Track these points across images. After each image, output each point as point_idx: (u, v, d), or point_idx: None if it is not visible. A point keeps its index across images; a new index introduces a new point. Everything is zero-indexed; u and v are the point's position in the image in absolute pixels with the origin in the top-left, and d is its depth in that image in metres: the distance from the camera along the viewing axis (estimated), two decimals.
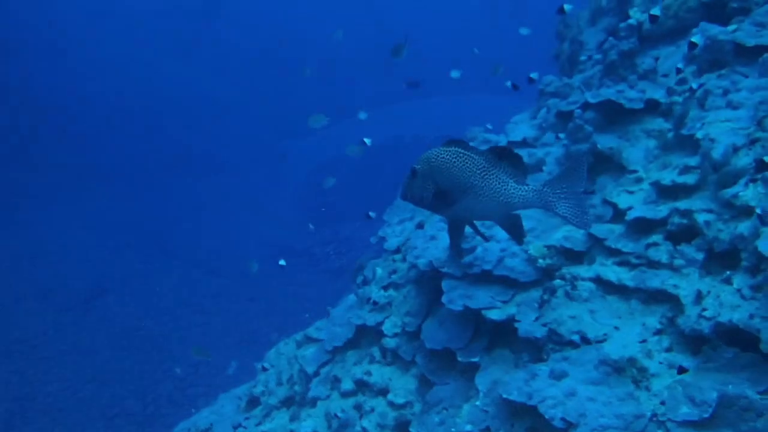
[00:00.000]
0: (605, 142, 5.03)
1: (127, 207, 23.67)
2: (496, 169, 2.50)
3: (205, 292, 17.24)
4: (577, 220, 2.60)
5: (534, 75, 5.92)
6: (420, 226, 6.48)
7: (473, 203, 2.57)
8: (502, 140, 6.11)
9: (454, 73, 9.16)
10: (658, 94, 5.01)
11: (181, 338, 14.61)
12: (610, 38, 5.24)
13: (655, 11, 6.24)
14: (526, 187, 2.52)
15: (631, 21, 5.12)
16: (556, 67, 8.18)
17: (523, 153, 5.69)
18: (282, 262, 7.02)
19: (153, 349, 14.32)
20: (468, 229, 5.04)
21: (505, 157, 2.52)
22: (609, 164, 5.00)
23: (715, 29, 4.95)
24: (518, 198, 2.52)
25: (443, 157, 2.54)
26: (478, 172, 2.50)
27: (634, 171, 4.79)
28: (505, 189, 2.50)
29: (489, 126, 5.55)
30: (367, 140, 8.99)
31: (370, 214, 6.87)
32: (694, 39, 4.87)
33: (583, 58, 6.15)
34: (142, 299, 16.30)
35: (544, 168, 5.20)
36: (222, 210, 24.16)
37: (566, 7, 6.38)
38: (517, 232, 2.73)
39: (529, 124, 6.09)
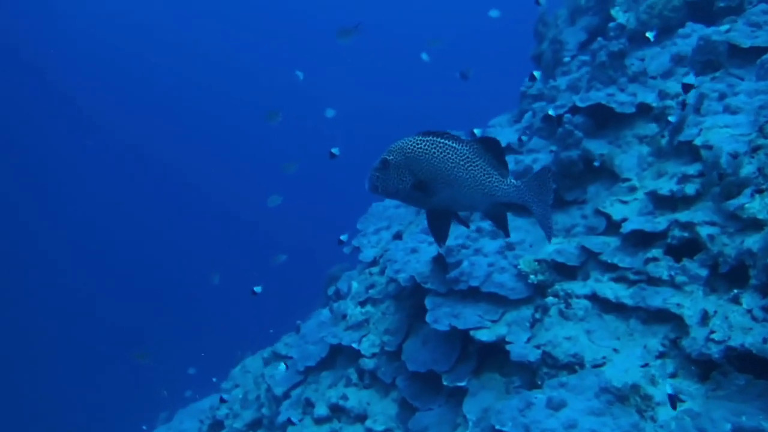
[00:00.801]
0: (596, 148, 4.76)
1: None
2: (481, 160, 2.43)
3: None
4: (546, 228, 2.57)
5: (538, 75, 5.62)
6: (398, 236, 6.13)
7: (457, 194, 2.47)
8: None
9: (425, 56, 8.82)
10: (650, 98, 4.76)
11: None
12: (599, 38, 4.97)
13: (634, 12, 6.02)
14: (509, 182, 2.47)
15: (620, 20, 4.86)
16: (535, 68, 7.92)
17: (509, 159, 5.39)
18: (258, 289, 6.73)
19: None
20: (453, 242, 4.73)
21: (491, 149, 2.45)
22: (601, 172, 4.72)
23: (707, 29, 4.72)
24: (501, 191, 2.46)
25: (421, 147, 2.41)
26: (462, 163, 2.40)
27: (628, 179, 4.52)
28: (489, 181, 2.44)
29: (476, 131, 5.23)
30: (335, 150, 8.64)
31: (342, 238, 6.54)
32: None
33: (566, 59, 5.88)
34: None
35: None
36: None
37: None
38: (502, 224, 2.62)
39: (512, 129, 5.79)
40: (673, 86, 4.75)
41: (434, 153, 2.40)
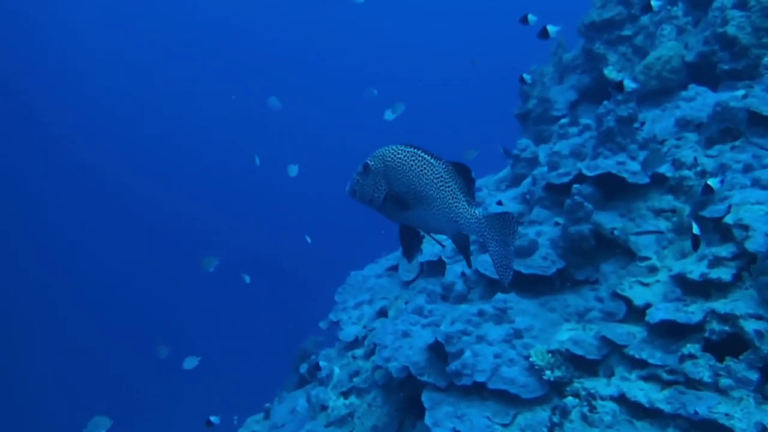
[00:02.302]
0: (607, 221, 4.31)
1: None
2: (453, 182, 2.28)
3: None
4: (501, 268, 2.32)
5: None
6: (382, 312, 5.54)
7: (427, 214, 2.32)
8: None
9: (388, 115, 8.32)
10: (664, 167, 4.37)
11: None
12: (606, 102, 4.60)
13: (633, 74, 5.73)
14: (474, 211, 2.29)
15: (628, 83, 4.50)
16: (519, 127, 7.59)
17: None
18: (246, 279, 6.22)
19: None
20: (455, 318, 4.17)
21: (462, 174, 2.30)
22: (613, 247, 4.27)
23: (723, 95, 4.39)
24: (464, 220, 2.28)
25: (400, 157, 2.30)
26: (436, 181, 2.27)
27: (646, 258, 4.07)
28: (456, 206, 2.28)
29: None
30: (293, 168, 8.24)
31: (321, 325, 5.98)
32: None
33: (563, 121, 5.51)
34: None
35: (536, 254, 4.41)
36: None
37: (531, 17, 5.71)
38: (465, 254, 2.45)
39: (507, 195, 5.33)
40: (687, 155, 4.38)
41: (412, 166, 2.27)
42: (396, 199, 2.30)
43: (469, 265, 2.51)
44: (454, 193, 2.27)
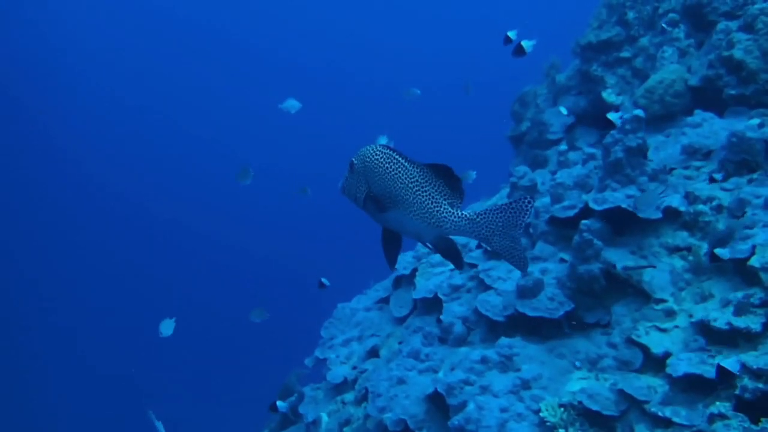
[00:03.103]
0: (618, 259, 4.02)
1: None
2: (430, 186, 2.23)
3: None
4: (513, 258, 2.23)
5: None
6: (373, 352, 5.17)
7: (403, 218, 2.28)
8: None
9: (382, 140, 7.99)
10: (676, 201, 4.10)
11: None
12: (613, 132, 4.32)
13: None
14: (461, 213, 2.24)
15: (637, 112, 4.23)
16: (512, 149, 7.33)
17: (508, 268, 4.60)
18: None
19: None
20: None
21: (443, 175, 2.24)
22: (625, 288, 3.97)
23: (739, 125, 4.14)
24: (450, 223, 2.23)
25: (377, 159, 2.27)
26: (411, 185, 2.23)
27: (662, 300, 3.78)
28: (437, 211, 2.24)
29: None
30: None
31: (306, 363, 5.61)
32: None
33: (562, 147, 5.23)
34: None
35: (542, 295, 4.10)
36: None
37: (517, 38, 5.42)
38: (452, 257, 2.34)
39: None
40: (702, 188, 4.12)
41: (387, 168, 2.24)
42: (374, 200, 2.27)
43: (459, 267, 2.40)
44: (432, 197, 2.22)
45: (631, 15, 5.80)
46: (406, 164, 2.22)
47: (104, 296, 22.69)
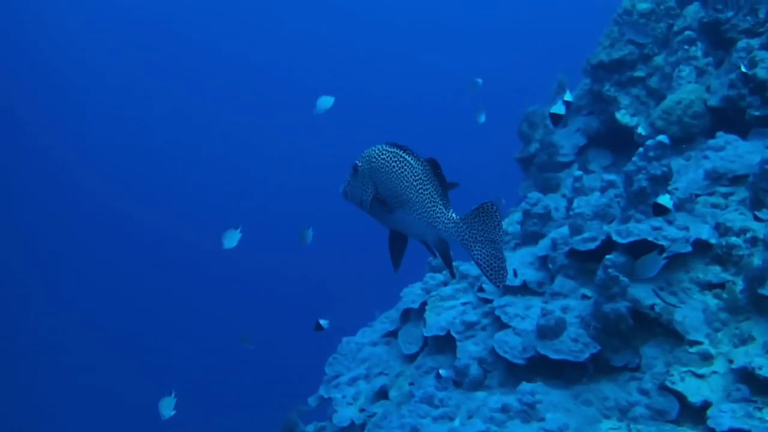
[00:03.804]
0: (645, 296, 3.75)
1: None
2: (430, 184, 2.20)
3: None
4: (491, 272, 2.15)
5: None
6: (383, 392, 4.88)
7: (408, 218, 2.24)
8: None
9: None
10: (706, 232, 3.84)
11: None
12: (635, 159, 4.07)
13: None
14: (450, 215, 2.19)
15: (661, 138, 3.98)
16: (520, 171, 7.08)
17: (527, 304, 4.32)
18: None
19: None
20: None
21: (437, 173, 2.19)
22: (654, 328, 3.70)
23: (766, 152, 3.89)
24: (441, 224, 2.19)
25: (384, 158, 2.23)
26: (415, 183, 2.20)
27: (697, 342, 3.50)
28: (433, 210, 2.19)
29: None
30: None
31: (310, 402, 5.30)
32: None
33: (577, 173, 4.98)
34: None
35: (564, 335, 3.82)
36: None
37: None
38: (447, 261, 2.30)
39: (519, 257, 4.75)
40: (734, 218, 3.86)
41: (393, 167, 2.21)
42: (381, 201, 2.23)
43: (452, 275, 2.44)
44: (431, 196, 2.19)
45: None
46: (411, 162, 2.18)
47: (103, 318, 22.36)
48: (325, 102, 6.26)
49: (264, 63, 36.39)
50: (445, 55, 33.27)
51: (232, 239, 5.64)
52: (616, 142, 5.89)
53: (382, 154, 2.21)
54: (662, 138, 4.01)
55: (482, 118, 6.26)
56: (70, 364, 19.76)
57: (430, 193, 2.18)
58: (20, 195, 27.66)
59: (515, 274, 4.45)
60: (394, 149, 2.21)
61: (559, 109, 4.49)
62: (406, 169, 2.17)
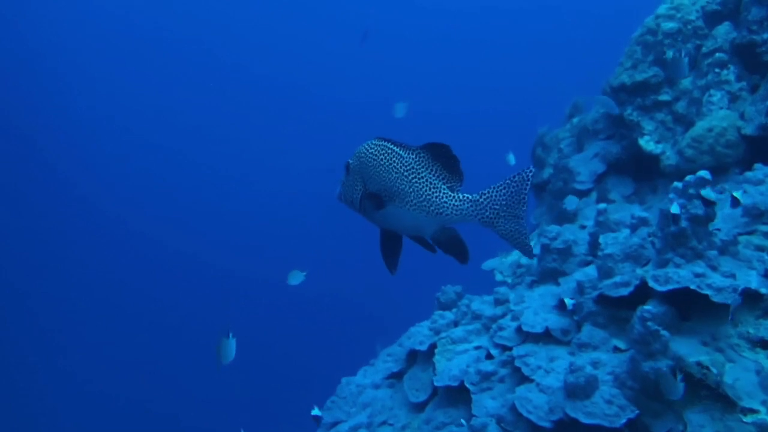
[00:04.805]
0: (689, 352, 3.32)
1: None
2: (427, 171, 2.09)
3: None
4: (519, 245, 2.06)
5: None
6: None
7: (400, 212, 2.12)
8: (510, 324, 4.29)
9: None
10: (755, 281, 3.42)
11: None
12: (672, 195, 3.66)
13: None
14: (462, 196, 2.07)
15: (703, 173, 3.57)
16: (533, 197, 6.68)
17: (557, 354, 3.89)
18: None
19: None
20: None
21: (441, 156, 2.08)
22: (699, 390, 3.27)
23: None
24: (451, 208, 2.07)
25: (371, 152, 2.14)
26: (406, 174, 2.09)
27: (752, 410, 3.07)
28: (437, 196, 2.08)
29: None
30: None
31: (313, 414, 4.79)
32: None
33: (601, 206, 4.58)
34: None
35: (597, 395, 3.39)
36: None
37: None
38: (457, 250, 2.13)
39: (542, 302, 4.32)
40: None
41: (381, 160, 2.14)
42: (370, 196, 2.16)
43: (464, 261, 2.19)
44: (429, 182, 2.10)
45: (670, 54, 5.19)
46: (399, 152, 2.12)
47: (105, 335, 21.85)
48: (400, 109, 6.70)
49: (263, 71, 35.96)
50: (455, 70, 32.86)
51: (296, 278, 5.85)
52: (639, 169, 5.50)
53: (370, 148, 2.16)
54: (704, 173, 3.60)
55: (512, 160, 6.08)
56: (69, 365, 19.50)
57: (427, 179, 2.09)
58: (20, 196, 27.22)
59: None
60: (382, 142, 2.16)
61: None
62: (394, 160, 2.11)
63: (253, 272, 23.88)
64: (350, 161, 2.22)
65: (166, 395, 17.44)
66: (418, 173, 2.09)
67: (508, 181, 2.03)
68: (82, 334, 21.11)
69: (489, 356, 4.30)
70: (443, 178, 2.10)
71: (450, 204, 2.07)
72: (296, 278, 5.67)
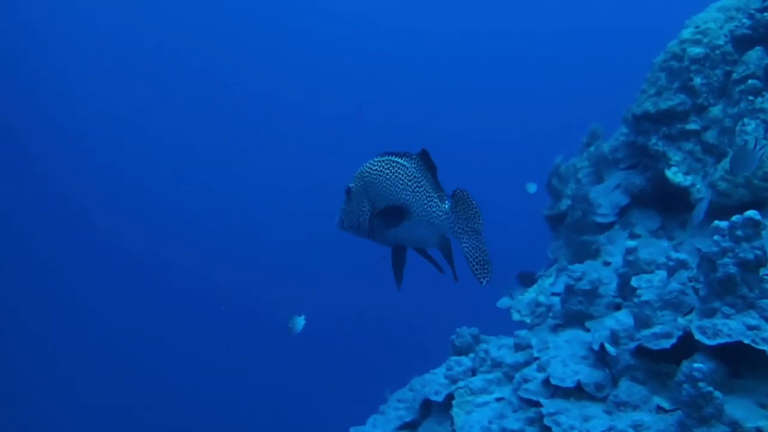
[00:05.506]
0: (744, 416, 2.96)
1: None
2: (425, 180, 2.07)
3: None
4: (477, 266, 2.00)
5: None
6: None
7: (409, 224, 2.09)
8: (536, 376, 3.93)
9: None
10: None
11: None
12: (717, 238, 3.32)
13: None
14: (444, 207, 2.05)
15: (751, 213, 3.25)
16: (552, 229, 6.34)
17: (591, 412, 3.52)
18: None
19: None
20: None
21: (430, 165, 2.07)
22: None
23: None
24: (440, 220, 2.05)
25: (376, 169, 2.11)
26: (410, 184, 2.07)
27: None
28: (431, 206, 2.06)
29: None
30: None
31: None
32: None
33: (631, 244, 4.25)
34: None
35: None
36: None
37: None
38: (451, 263, 2.12)
39: (570, 350, 3.96)
40: None
41: (387, 174, 2.09)
42: (381, 215, 2.11)
43: (455, 278, 2.15)
44: (427, 191, 2.09)
45: (697, 81, 4.90)
46: (402, 162, 2.09)
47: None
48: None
49: (265, 86, 35.80)
50: (463, 89, 32.61)
51: (298, 324, 5.77)
52: (665, 202, 5.17)
53: (375, 165, 2.12)
54: (752, 213, 3.27)
55: (533, 188, 5.79)
56: (70, 368, 19.15)
57: (425, 188, 2.09)
58: (16, 203, 26.92)
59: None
60: (385, 156, 2.13)
61: None
62: (399, 172, 2.09)
63: (250, 290, 23.47)
64: (351, 185, 2.17)
65: (165, 404, 17.02)
66: (419, 183, 2.08)
67: (452, 198, 2.04)
68: (81, 342, 20.73)
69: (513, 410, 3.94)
70: (434, 187, 2.10)
71: (437, 214, 2.06)
72: (298, 324, 5.42)
